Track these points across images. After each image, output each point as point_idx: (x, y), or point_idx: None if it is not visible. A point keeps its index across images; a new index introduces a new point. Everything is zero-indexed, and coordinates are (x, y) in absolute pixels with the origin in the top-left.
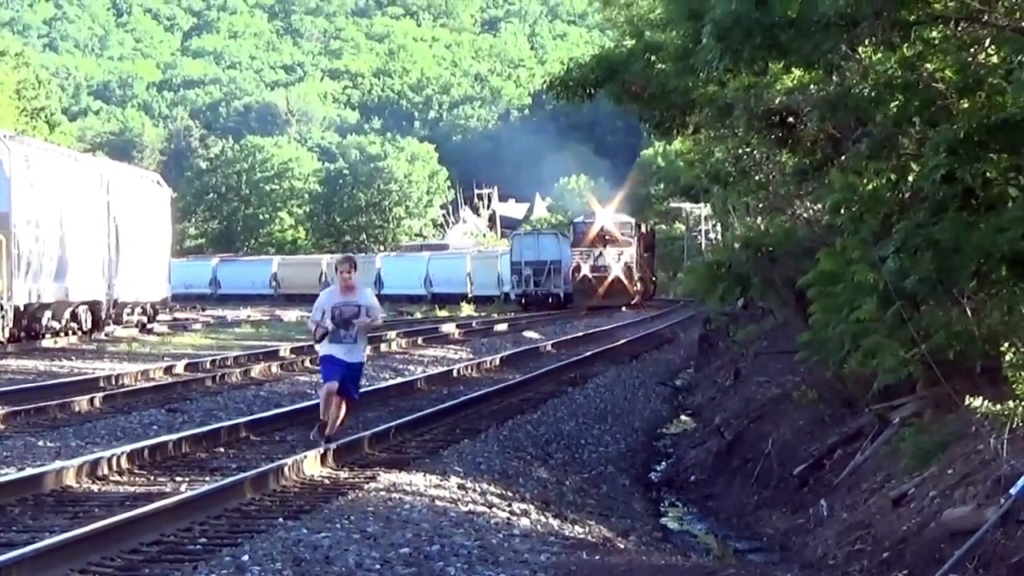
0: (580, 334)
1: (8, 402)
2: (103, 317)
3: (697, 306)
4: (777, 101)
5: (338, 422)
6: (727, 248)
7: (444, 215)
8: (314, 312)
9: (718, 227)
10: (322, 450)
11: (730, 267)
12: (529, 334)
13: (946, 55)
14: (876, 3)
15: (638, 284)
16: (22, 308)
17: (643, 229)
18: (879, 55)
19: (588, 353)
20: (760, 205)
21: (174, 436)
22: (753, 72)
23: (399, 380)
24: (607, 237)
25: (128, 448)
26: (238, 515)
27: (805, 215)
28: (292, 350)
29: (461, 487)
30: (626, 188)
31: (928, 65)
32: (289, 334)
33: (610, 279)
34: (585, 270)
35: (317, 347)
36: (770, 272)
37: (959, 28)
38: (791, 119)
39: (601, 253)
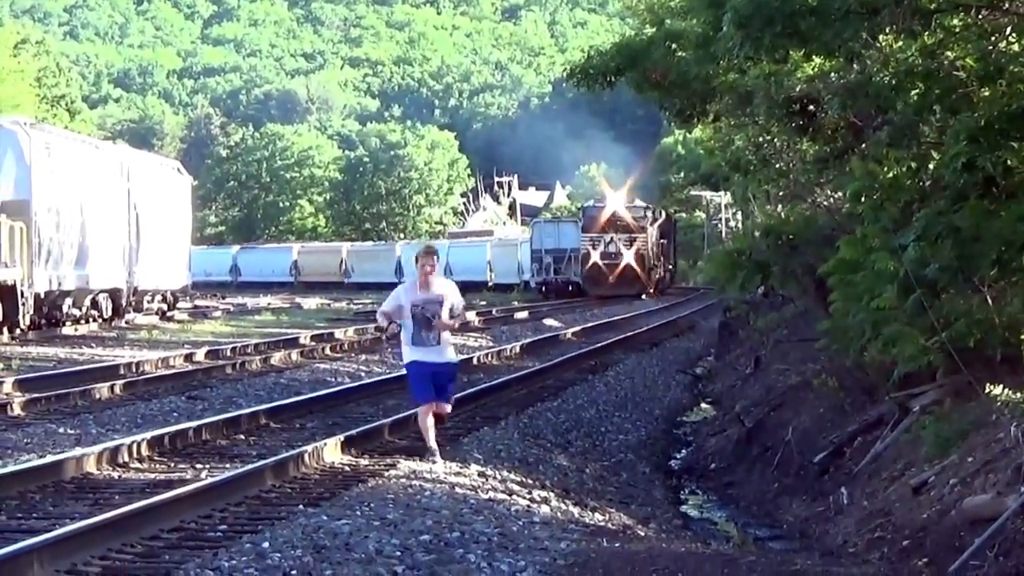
0: (600, 322)
1: (29, 389)
2: (123, 304)
3: (717, 294)
4: (798, 89)
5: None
6: (747, 236)
7: (464, 203)
8: (386, 304)
9: (738, 215)
10: (342, 437)
11: (750, 255)
12: (549, 322)
13: (967, 43)
14: None
15: (654, 272)
16: (43, 295)
17: (658, 215)
18: (900, 43)
19: (608, 341)
20: (780, 193)
21: (194, 423)
22: (774, 60)
23: None
24: (619, 223)
25: (149, 435)
26: (258, 502)
27: (825, 203)
28: (312, 337)
29: (481, 474)
30: (639, 172)
31: (949, 53)
32: (309, 321)
33: (621, 267)
34: (595, 257)
35: (404, 354)
36: (790, 260)
37: (980, 16)
38: (812, 107)
39: (612, 240)
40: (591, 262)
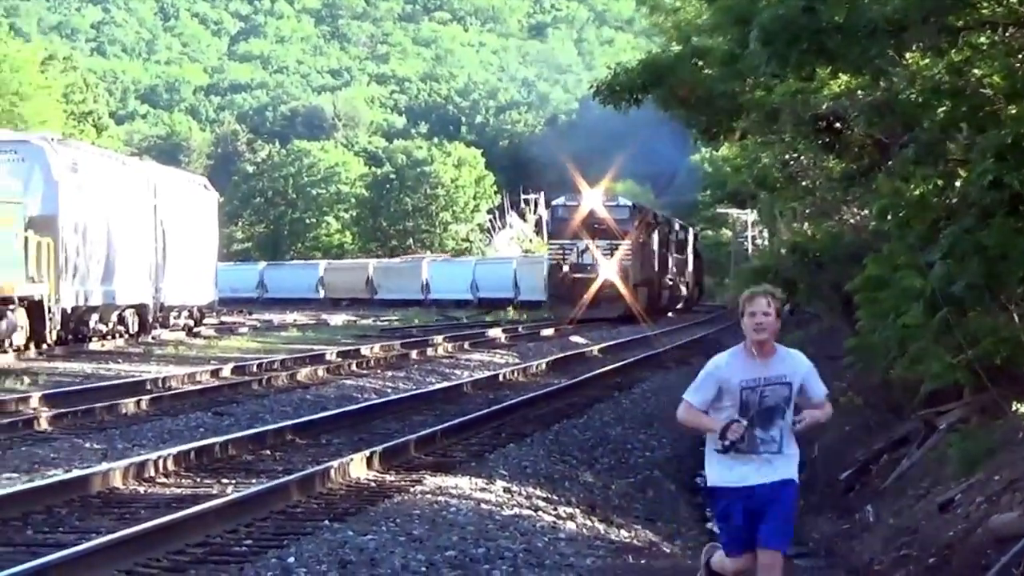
0: (626, 339)
1: (55, 404)
2: (150, 320)
3: None
4: (824, 106)
5: None
6: (774, 253)
7: (491, 220)
8: (696, 390)
9: (765, 233)
10: (368, 453)
11: (776, 272)
12: (575, 339)
13: (994, 60)
14: (924, 9)
15: (644, 289)
16: (69, 311)
17: (653, 217)
18: (926, 60)
19: (634, 358)
20: (807, 210)
21: (220, 438)
22: (800, 77)
23: (445, 384)
24: (596, 226)
25: (175, 450)
26: (284, 517)
27: (852, 221)
28: (338, 354)
29: (507, 491)
30: (619, 164)
31: (976, 70)
32: (335, 338)
33: (599, 282)
34: (565, 269)
35: (710, 472)
36: (817, 277)
37: (1007, 33)
38: (838, 124)
39: (587, 247)
40: (561, 274)
